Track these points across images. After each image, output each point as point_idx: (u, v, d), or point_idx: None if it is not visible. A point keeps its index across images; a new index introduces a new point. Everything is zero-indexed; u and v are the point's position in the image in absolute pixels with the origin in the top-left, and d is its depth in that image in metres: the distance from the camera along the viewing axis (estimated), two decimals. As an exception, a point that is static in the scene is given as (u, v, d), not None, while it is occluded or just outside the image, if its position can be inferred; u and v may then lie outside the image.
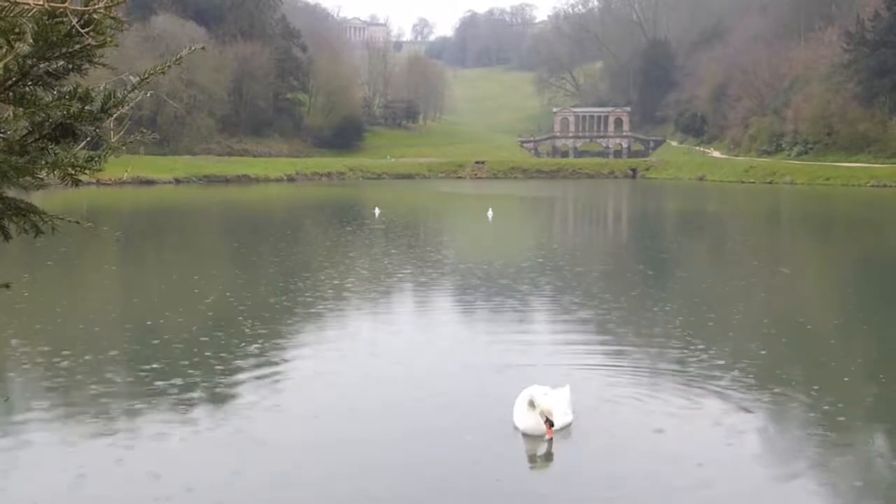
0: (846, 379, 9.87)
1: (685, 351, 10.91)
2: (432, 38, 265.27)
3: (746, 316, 13.77)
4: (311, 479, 6.77)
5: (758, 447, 7.45)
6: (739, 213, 44.32)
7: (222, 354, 10.66)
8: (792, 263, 22.38)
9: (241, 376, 9.59)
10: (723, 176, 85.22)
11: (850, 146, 79.99)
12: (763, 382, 9.28)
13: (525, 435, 7.53)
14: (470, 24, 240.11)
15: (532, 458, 7.31)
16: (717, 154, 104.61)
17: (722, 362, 10.23)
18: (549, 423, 7.35)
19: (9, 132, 2.98)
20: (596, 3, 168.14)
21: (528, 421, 7.56)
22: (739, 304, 15.01)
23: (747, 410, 8.30)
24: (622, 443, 7.46)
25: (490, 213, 35.37)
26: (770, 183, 75.72)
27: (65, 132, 3.05)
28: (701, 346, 11.14)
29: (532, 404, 7.53)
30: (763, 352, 10.92)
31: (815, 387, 9.19)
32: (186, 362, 10.20)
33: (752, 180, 79.19)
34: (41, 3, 2.71)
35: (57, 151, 3.02)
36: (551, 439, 7.35)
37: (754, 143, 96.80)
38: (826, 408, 8.47)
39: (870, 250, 26.03)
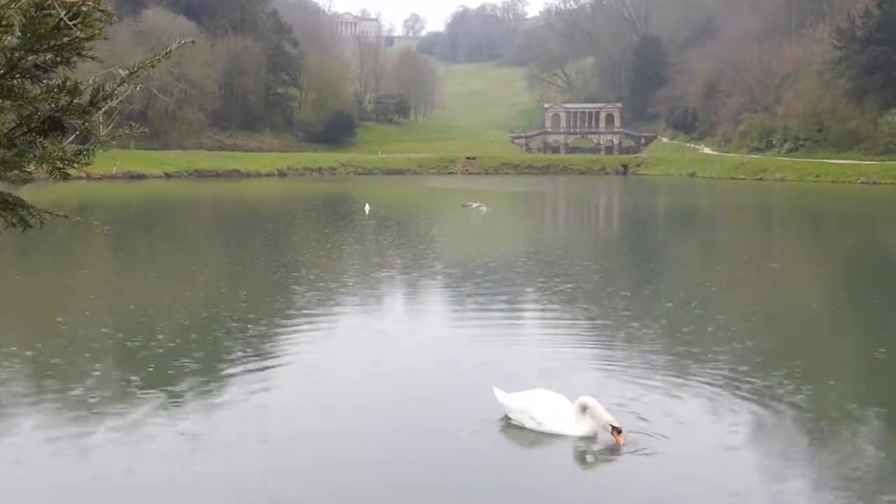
0: (837, 373, 9.91)
1: (675, 347, 10.93)
2: (424, 33, 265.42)
3: (736, 311, 13.79)
4: (305, 475, 6.75)
5: (748, 442, 7.47)
6: (730, 209, 44.41)
7: (210, 350, 10.64)
8: (782, 259, 22.45)
9: (230, 372, 9.57)
10: (713, 172, 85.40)
11: (840, 143, 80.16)
12: (753, 376, 9.30)
13: (583, 439, 7.46)
14: (461, 19, 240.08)
15: (535, 456, 7.33)
16: (707, 150, 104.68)
17: (711, 358, 10.25)
18: (618, 431, 7.24)
19: (-4, 125, 2.96)
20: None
21: (582, 426, 7.48)
22: (729, 299, 15.04)
23: (738, 405, 8.32)
24: (612, 441, 7.47)
25: (484, 209, 34.27)
26: (760, 179, 75.93)
27: (53, 125, 3.03)
28: (690, 342, 11.16)
29: (583, 409, 7.47)
30: (753, 346, 10.94)
31: (806, 380, 9.21)
32: (174, 358, 10.17)
33: (742, 177, 79.40)
34: (29, -5, 2.69)
35: (45, 145, 3.00)
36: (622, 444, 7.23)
37: (745, 139, 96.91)
38: (817, 402, 8.50)
39: (859, 246, 26.12)
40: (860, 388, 9.34)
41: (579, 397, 7.58)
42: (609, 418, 7.34)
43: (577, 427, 7.51)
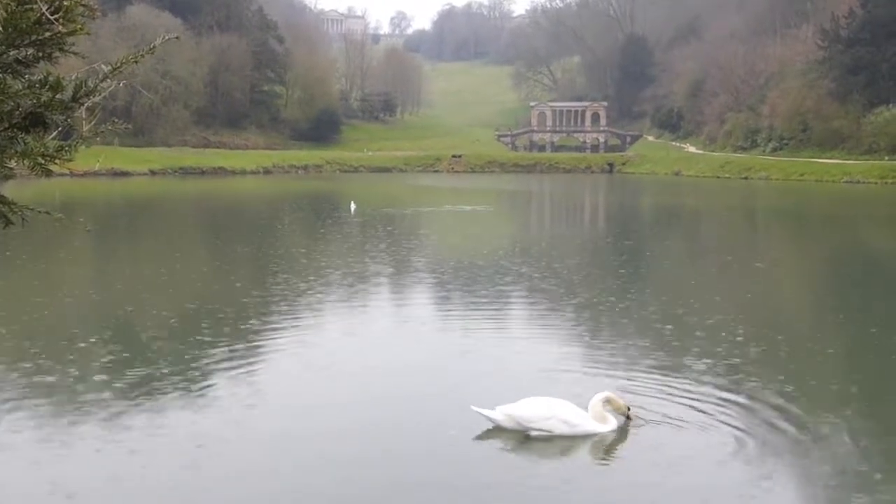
0: (824, 371, 9.95)
1: (661, 347, 10.95)
2: (410, 31, 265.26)
3: (720, 310, 13.83)
4: (293, 473, 6.74)
5: (730, 443, 7.47)
6: (715, 208, 44.58)
7: (195, 348, 10.59)
8: (766, 258, 22.54)
9: (216, 368, 9.53)
10: (699, 171, 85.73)
11: (824, 142, 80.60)
12: (737, 377, 9.33)
13: (613, 432, 7.55)
14: (448, 17, 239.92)
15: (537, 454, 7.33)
16: (693, 149, 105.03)
17: (696, 358, 10.27)
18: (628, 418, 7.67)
19: (-23, 121, 2.92)
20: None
21: (611, 422, 7.56)
22: (713, 298, 15.08)
23: (725, 404, 8.33)
24: (602, 442, 7.48)
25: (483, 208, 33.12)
26: (745, 178, 76.29)
27: (35, 121, 2.99)
28: (676, 342, 11.19)
29: (603, 403, 7.53)
30: (737, 346, 10.97)
31: (790, 381, 9.24)
32: (157, 357, 10.12)
33: (727, 175, 79.75)
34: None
35: (27, 140, 2.96)
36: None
37: (730, 138, 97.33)
38: (800, 403, 8.52)
39: (843, 246, 26.26)
40: (847, 386, 9.37)
41: (598, 394, 7.64)
42: (622, 403, 7.66)
43: (607, 424, 7.55)
